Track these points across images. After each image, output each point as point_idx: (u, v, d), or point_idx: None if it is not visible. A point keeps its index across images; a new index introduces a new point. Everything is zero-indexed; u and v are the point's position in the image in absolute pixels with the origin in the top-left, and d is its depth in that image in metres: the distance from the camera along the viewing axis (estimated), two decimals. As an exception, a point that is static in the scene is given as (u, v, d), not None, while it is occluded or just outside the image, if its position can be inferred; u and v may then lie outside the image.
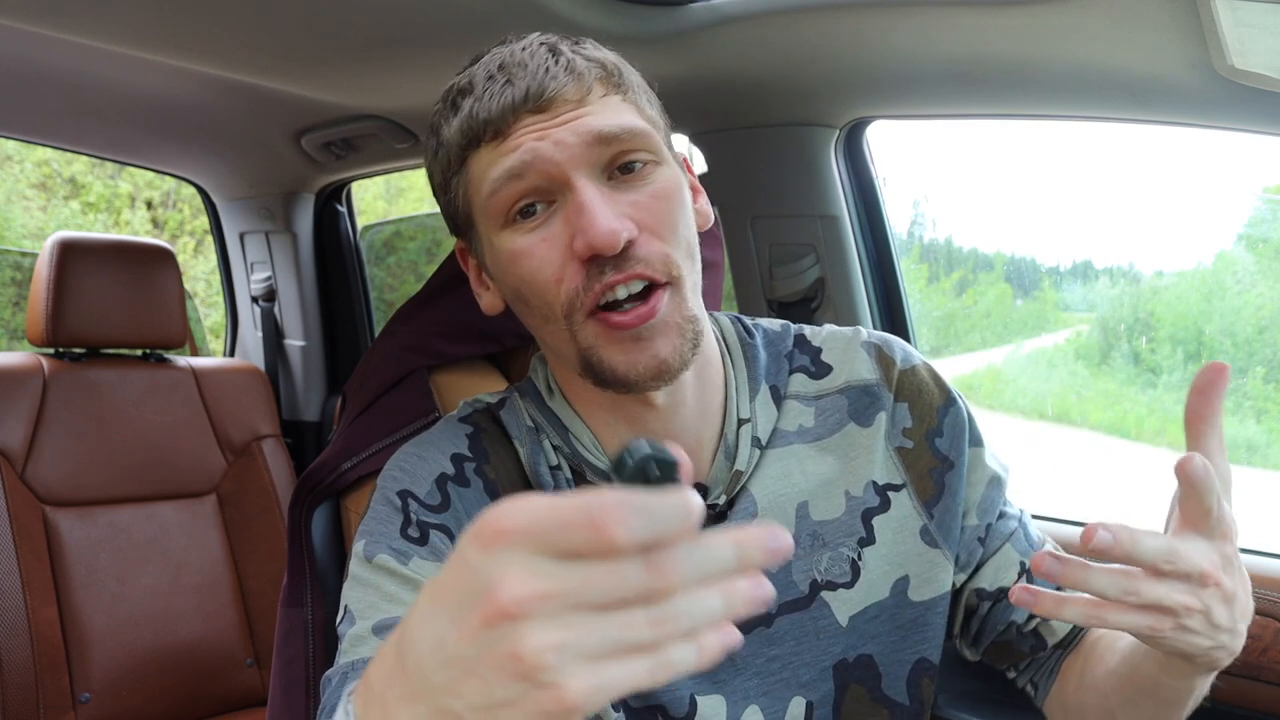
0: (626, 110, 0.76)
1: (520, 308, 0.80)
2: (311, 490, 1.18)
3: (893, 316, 1.67)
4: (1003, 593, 0.87)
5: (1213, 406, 0.63)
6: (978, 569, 0.87)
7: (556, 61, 0.75)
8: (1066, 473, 2.37)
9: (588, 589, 0.39)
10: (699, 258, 0.79)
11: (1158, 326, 2.20)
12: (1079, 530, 1.53)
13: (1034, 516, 1.49)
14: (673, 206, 0.76)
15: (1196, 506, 0.62)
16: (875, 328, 1.63)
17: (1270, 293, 1.92)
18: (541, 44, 0.77)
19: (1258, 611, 1.22)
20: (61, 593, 1.76)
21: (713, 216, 0.86)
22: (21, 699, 1.64)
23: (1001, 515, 0.88)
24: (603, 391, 0.78)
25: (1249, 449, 2.04)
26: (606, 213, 0.71)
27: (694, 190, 0.85)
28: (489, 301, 0.85)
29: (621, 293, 0.73)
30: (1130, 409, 2.31)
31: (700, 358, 0.80)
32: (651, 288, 0.74)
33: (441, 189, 0.82)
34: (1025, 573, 0.87)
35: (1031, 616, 0.87)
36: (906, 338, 1.67)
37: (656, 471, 0.41)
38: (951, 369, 2.64)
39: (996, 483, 0.88)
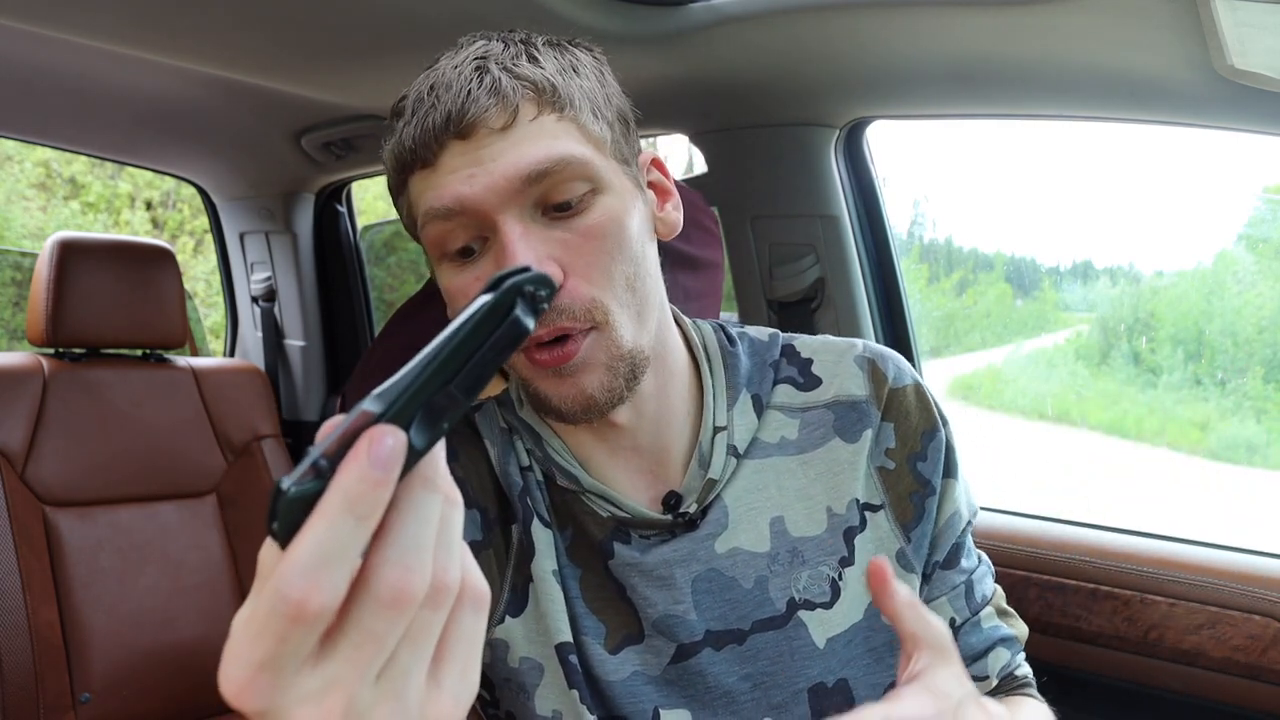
0: (561, 134, 0.72)
1: None
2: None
3: (893, 316, 1.67)
4: None
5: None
6: None
7: (480, 83, 0.71)
8: (1066, 472, 2.37)
9: (374, 652, 0.37)
10: (642, 286, 0.76)
11: (1158, 326, 2.20)
12: (1076, 530, 1.53)
13: (1030, 517, 1.51)
14: (606, 244, 0.73)
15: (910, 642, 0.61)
16: (875, 328, 1.63)
17: (1270, 293, 1.92)
18: (474, 60, 0.73)
19: (1257, 611, 1.22)
20: (61, 593, 1.75)
21: (680, 224, 0.83)
22: (21, 699, 1.64)
23: (951, 563, 0.85)
24: (556, 420, 0.78)
25: (1249, 449, 2.04)
26: (528, 255, 0.70)
27: (662, 194, 0.82)
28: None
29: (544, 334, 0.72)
30: (1130, 409, 2.31)
31: (662, 370, 0.79)
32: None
33: (394, 202, 0.81)
34: (954, 629, 0.85)
35: None
36: (906, 338, 1.67)
37: (289, 512, 0.35)
38: (951, 369, 2.64)
39: (956, 520, 0.85)
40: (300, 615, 0.34)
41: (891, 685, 0.81)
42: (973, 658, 0.86)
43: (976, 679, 0.86)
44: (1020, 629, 0.89)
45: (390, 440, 0.35)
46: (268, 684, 0.35)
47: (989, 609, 0.87)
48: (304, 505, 0.35)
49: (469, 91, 0.70)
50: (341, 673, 0.36)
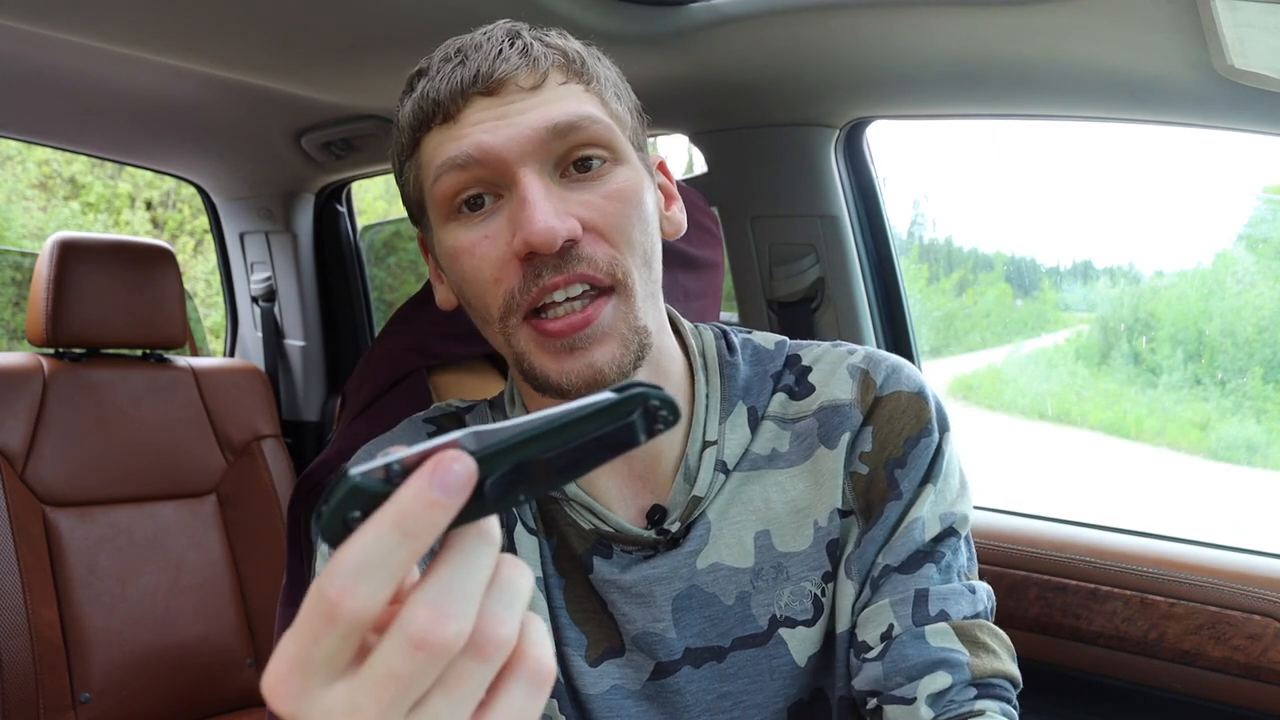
0: (588, 101, 0.72)
1: (465, 306, 0.78)
2: (311, 490, 1.19)
3: (893, 316, 1.67)
4: (866, 648, 0.74)
5: None
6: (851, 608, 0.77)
7: (512, 45, 0.71)
8: (1066, 471, 2.37)
9: (397, 689, 0.35)
10: (657, 267, 0.75)
11: (1158, 326, 2.20)
12: (1076, 530, 1.52)
13: (1030, 517, 1.50)
14: (627, 209, 0.71)
15: None
16: (875, 328, 1.63)
17: (1270, 293, 1.92)
18: (504, 30, 0.73)
19: (1258, 611, 1.22)
20: (61, 593, 1.76)
21: (684, 225, 0.82)
22: (21, 699, 1.64)
23: (909, 569, 0.75)
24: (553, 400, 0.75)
25: (1249, 449, 2.04)
26: (547, 209, 0.67)
27: (667, 196, 0.81)
28: (443, 295, 0.82)
29: (559, 297, 0.69)
30: (1130, 409, 2.31)
31: (655, 372, 0.77)
32: (594, 295, 0.70)
33: (398, 175, 0.79)
34: (888, 639, 0.73)
35: (873, 693, 0.74)
36: (906, 338, 1.67)
37: (355, 512, 0.35)
38: (951, 369, 2.64)
39: (916, 528, 0.75)
40: (334, 615, 0.34)
41: (840, 698, 0.78)
42: (904, 675, 0.72)
43: (899, 701, 0.72)
44: (986, 665, 0.72)
45: (459, 468, 0.34)
46: (298, 685, 0.35)
47: (944, 626, 0.73)
48: (361, 499, 0.35)
49: (500, 51, 0.70)
50: (363, 702, 0.35)
